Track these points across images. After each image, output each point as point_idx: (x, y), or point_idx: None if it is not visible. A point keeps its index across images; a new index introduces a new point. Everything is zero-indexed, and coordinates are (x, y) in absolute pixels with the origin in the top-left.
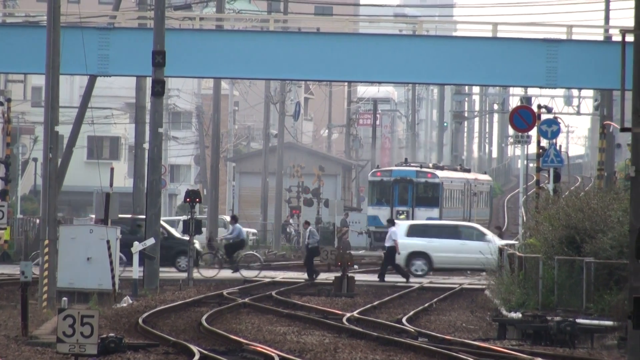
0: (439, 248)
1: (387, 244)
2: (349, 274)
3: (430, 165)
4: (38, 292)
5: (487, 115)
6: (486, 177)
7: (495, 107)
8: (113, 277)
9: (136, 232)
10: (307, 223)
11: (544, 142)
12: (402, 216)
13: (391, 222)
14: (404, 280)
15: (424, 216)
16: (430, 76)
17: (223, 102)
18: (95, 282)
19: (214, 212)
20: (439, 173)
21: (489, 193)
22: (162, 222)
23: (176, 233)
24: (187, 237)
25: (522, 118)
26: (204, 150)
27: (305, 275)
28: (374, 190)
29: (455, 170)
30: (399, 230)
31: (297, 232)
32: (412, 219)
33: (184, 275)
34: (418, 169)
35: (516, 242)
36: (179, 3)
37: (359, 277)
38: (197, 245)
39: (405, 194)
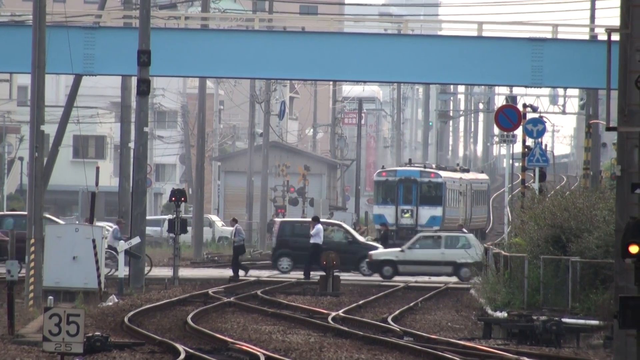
0: None
1: (313, 240)
2: (334, 273)
3: (433, 165)
4: (24, 291)
5: (473, 115)
6: (484, 177)
7: (481, 106)
8: (99, 276)
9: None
10: (234, 220)
11: (530, 142)
12: (406, 215)
13: (316, 220)
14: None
15: (428, 215)
16: (415, 75)
17: (208, 101)
18: (81, 281)
19: (199, 211)
20: (442, 173)
21: (486, 192)
22: (347, 227)
23: (360, 237)
24: (373, 243)
25: (508, 117)
26: (189, 149)
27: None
28: (379, 189)
29: (455, 170)
30: None
31: None
32: (417, 217)
33: (367, 279)
34: (422, 169)
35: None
36: (164, 2)
37: (344, 276)
38: (381, 249)
39: (409, 193)
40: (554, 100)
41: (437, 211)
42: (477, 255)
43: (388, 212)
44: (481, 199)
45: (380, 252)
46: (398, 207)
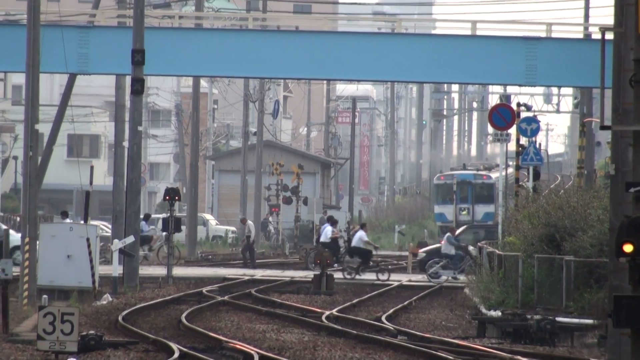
0: None
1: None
2: (328, 272)
3: (481, 167)
4: (19, 289)
5: (466, 113)
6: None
7: (475, 105)
8: (93, 274)
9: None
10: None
11: (524, 140)
12: (464, 212)
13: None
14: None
15: (482, 211)
16: (409, 74)
17: (202, 100)
18: (76, 279)
19: (193, 210)
20: (492, 174)
21: None
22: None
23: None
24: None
25: (502, 116)
26: (183, 148)
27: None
28: (439, 191)
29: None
30: None
31: (276, 229)
32: (473, 214)
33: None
34: (475, 172)
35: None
36: (158, 1)
37: (338, 275)
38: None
39: (465, 193)
40: (548, 99)
41: (490, 208)
42: None
43: (447, 211)
44: None
45: None
46: (456, 206)
